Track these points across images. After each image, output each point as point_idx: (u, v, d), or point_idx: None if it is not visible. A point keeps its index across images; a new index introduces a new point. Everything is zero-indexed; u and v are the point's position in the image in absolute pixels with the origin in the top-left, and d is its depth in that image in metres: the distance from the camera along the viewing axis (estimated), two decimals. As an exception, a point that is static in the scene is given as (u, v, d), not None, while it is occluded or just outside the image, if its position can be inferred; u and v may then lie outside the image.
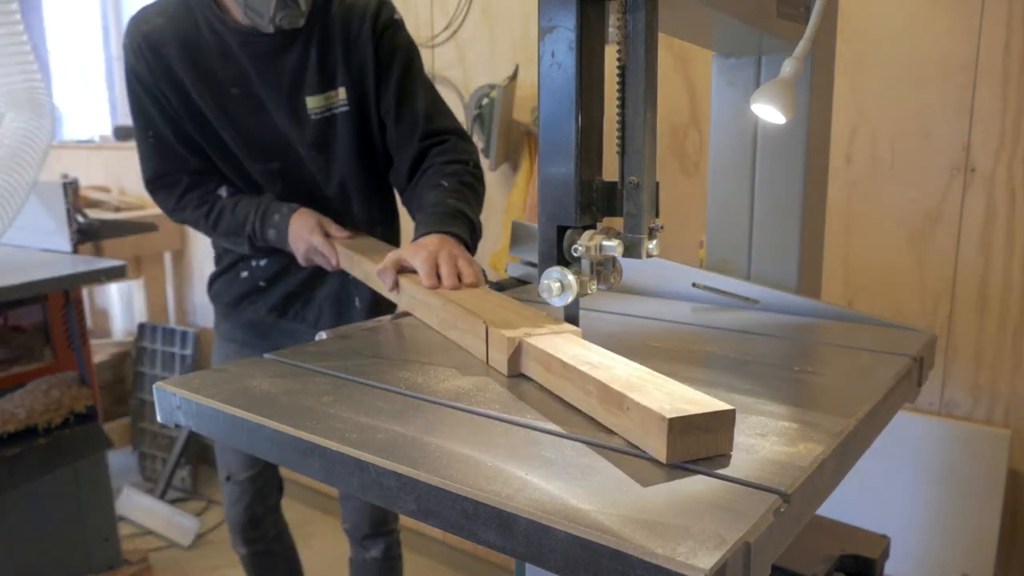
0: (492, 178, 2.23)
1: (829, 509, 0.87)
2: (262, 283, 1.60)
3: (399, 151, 1.50)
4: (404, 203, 1.55)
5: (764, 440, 0.65)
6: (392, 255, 1.18)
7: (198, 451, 3.19)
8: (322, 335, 1.00)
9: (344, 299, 1.60)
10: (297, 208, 1.46)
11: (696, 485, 0.57)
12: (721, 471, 0.59)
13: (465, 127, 2.26)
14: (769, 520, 0.52)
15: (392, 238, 1.64)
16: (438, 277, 1.09)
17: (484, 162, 2.19)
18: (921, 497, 1.61)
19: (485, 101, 2.08)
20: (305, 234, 1.41)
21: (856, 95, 1.63)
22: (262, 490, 1.73)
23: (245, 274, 1.61)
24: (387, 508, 0.62)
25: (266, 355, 0.91)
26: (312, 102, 1.45)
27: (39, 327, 2.19)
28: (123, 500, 2.91)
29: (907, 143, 1.60)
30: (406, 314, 1.12)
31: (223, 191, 1.52)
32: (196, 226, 1.55)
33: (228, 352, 1.70)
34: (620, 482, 0.57)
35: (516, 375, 0.83)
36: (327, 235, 1.42)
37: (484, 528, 0.55)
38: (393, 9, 1.49)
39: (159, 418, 0.83)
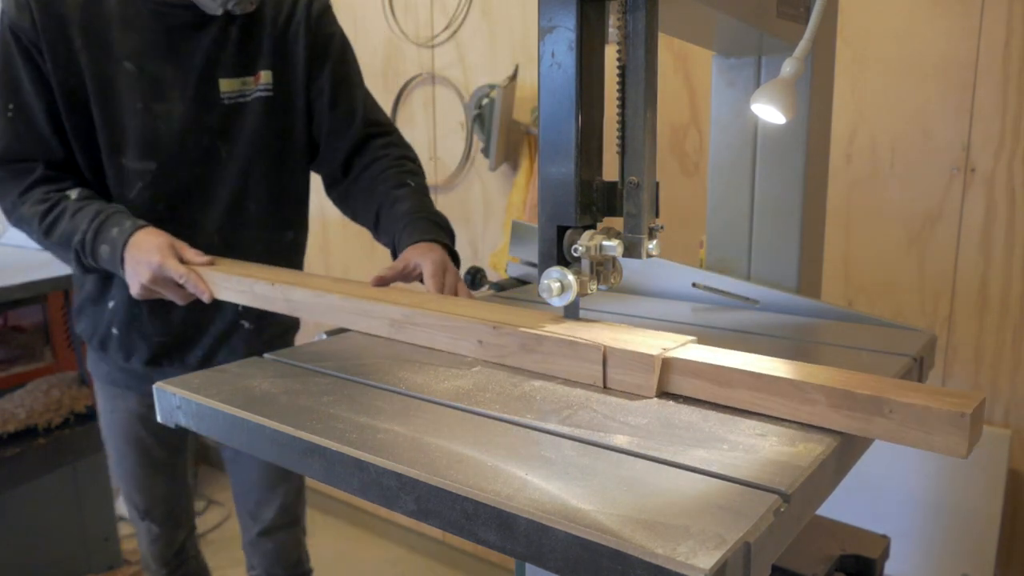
0: (492, 178, 2.24)
1: (829, 509, 0.87)
2: (113, 329, 1.37)
3: (334, 138, 1.40)
4: (337, 196, 1.46)
5: (764, 440, 0.65)
6: (399, 263, 1.13)
7: (198, 451, 3.19)
8: (322, 335, 0.99)
9: (232, 327, 1.40)
10: (144, 225, 1.21)
11: (696, 485, 0.57)
12: (721, 471, 0.59)
13: (465, 127, 2.27)
14: (769, 520, 0.52)
15: (301, 242, 1.50)
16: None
17: (484, 162, 2.20)
18: (921, 497, 1.61)
19: (485, 101, 2.08)
20: (154, 258, 1.14)
21: (856, 95, 1.63)
22: (180, 520, 1.63)
23: (112, 304, 1.36)
24: (387, 508, 0.62)
25: (266, 355, 0.91)
26: (226, 84, 1.31)
27: (39, 327, 2.19)
28: (123, 500, 2.90)
29: (907, 143, 1.60)
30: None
31: (74, 192, 1.26)
32: (29, 228, 1.28)
33: (112, 393, 1.47)
34: (620, 482, 0.57)
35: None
36: (181, 260, 1.18)
37: (484, 528, 0.55)
38: None
39: (159, 418, 0.83)
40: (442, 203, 2.35)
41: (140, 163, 1.28)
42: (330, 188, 1.47)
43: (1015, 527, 1.59)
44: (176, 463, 1.58)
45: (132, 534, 2.76)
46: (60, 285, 2.01)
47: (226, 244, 1.34)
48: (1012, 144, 1.50)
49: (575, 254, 0.80)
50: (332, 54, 1.39)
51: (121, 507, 2.83)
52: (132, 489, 1.57)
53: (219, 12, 1.25)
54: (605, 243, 0.79)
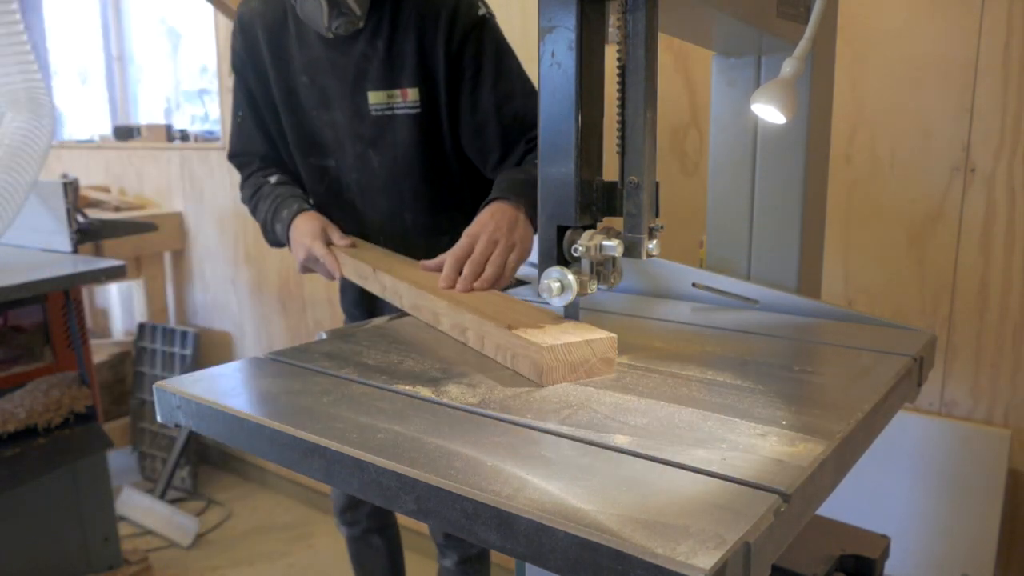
0: (492, 178, 2.23)
1: (829, 509, 0.87)
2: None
3: (489, 153, 1.41)
4: None
5: (764, 440, 0.65)
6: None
7: (198, 451, 3.19)
8: (322, 335, 1.00)
9: None
10: (305, 209, 1.41)
11: (696, 485, 0.57)
12: (721, 471, 0.59)
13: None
14: (769, 520, 0.52)
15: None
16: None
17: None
18: (921, 497, 1.61)
19: (485, 101, 2.08)
20: (306, 240, 1.35)
21: (856, 95, 1.63)
22: None
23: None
24: (387, 508, 0.62)
25: (266, 355, 0.91)
26: (373, 97, 1.39)
27: (39, 327, 2.19)
28: (123, 500, 2.91)
29: (907, 143, 1.60)
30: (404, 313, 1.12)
31: (273, 178, 1.50)
32: (249, 208, 1.55)
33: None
34: (620, 482, 0.57)
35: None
36: (329, 243, 1.35)
37: (484, 528, 0.55)
38: (476, 4, 1.37)
39: (159, 418, 0.83)
40: (442, 203, 2.35)
41: (321, 161, 1.47)
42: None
43: (1015, 527, 1.59)
44: None
45: (132, 534, 2.77)
46: (60, 285, 2.01)
47: (394, 248, 1.41)
48: (1012, 144, 1.50)
49: (575, 254, 0.80)
50: (486, 71, 1.36)
51: (121, 507, 2.84)
52: None
53: (329, 36, 1.33)
54: (605, 243, 0.79)
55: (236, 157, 1.57)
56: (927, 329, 1.01)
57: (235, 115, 1.54)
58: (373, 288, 1.22)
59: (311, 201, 1.50)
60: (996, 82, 1.49)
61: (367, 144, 1.42)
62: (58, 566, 2.17)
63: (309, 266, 1.36)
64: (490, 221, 1.17)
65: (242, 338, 3.16)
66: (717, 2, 0.87)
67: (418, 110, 1.38)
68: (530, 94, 1.39)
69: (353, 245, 1.36)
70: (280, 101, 1.45)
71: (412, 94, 1.37)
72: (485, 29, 1.36)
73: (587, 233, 0.80)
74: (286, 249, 1.46)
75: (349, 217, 1.47)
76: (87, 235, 2.23)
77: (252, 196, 1.51)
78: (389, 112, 1.39)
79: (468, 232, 1.16)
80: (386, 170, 1.43)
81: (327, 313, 2.81)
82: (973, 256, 1.56)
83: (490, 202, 1.22)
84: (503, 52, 1.38)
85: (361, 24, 1.33)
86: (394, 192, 1.45)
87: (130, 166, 3.43)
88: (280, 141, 1.51)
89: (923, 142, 1.58)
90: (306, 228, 1.36)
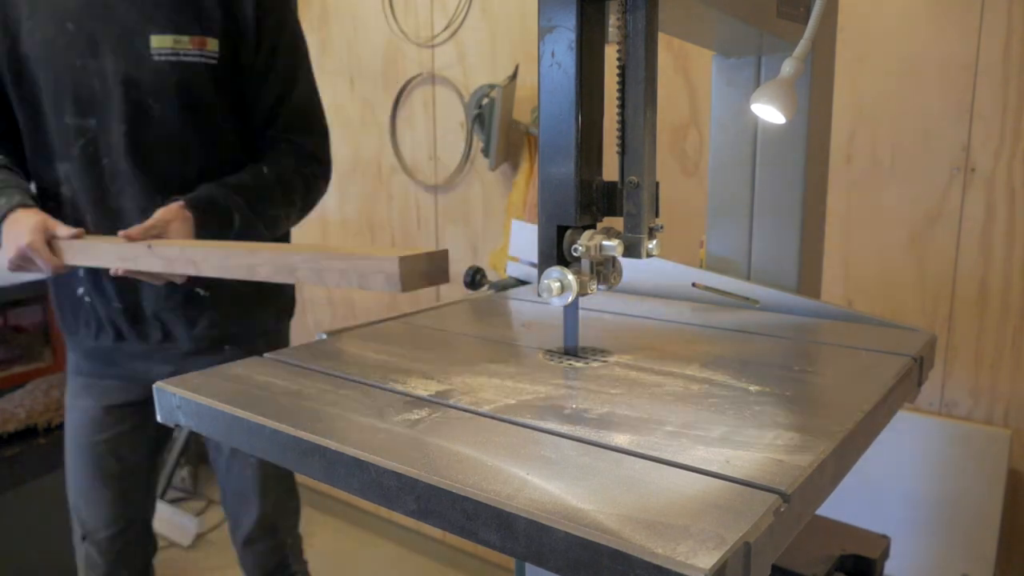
0: (492, 178, 2.23)
1: (829, 509, 0.87)
2: (86, 298, 1.42)
3: (256, 122, 1.41)
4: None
5: (764, 440, 0.65)
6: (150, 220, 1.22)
7: (198, 451, 3.19)
8: (322, 335, 0.99)
9: (193, 300, 1.41)
10: (24, 204, 1.30)
11: (696, 485, 0.57)
12: (721, 471, 0.59)
13: (465, 127, 2.27)
14: (769, 520, 0.52)
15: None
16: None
17: (484, 162, 2.20)
18: (921, 497, 1.61)
19: (485, 101, 2.08)
20: (21, 234, 1.24)
21: (856, 95, 1.63)
22: (123, 552, 1.51)
23: (80, 290, 1.42)
24: (387, 508, 0.62)
25: (266, 355, 0.91)
26: (157, 42, 1.30)
27: (39, 327, 2.19)
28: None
29: (907, 143, 1.60)
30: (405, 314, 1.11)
31: None
32: None
33: (76, 389, 1.49)
34: (620, 482, 0.57)
35: None
36: (52, 237, 1.26)
37: (484, 528, 0.55)
38: None
39: (159, 418, 0.83)
40: (442, 203, 2.35)
41: (80, 120, 1.33)
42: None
43: (1015, 527, 1.59)
44: (136, 483, 1.51)
45: (132, 534, 2.76)
46: (60, 285, 2.01)
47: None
48: (1012, 144, 1.50)
49: (575, 254, 0.80)
50: (278, 36, 1.37)
51: (121, 507, 2.84)
52: (78, 500, 1.50)
53: None
54: (605, 243, 0.79)
55: None
56: (927, 329, 1.01)
57: None
58: (142, 264, 1.20)
59: (33, 193, 1.38)
60: (996, 82, 1.49)
61: (146, 92, 1.31)
62: (57, 566, 2.17)
63: (21, 264, 1.27)
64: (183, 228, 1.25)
65: (242, 338, 3.15)
66: (717, 2, 0.87)
67: (214, 62, 1.32)
68: (314, 93, 1.45)
69: (79, 235, 1.28)
70: (34, 54, 1.30)
71: (211, 44, 1.31)
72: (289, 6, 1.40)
73: (587, 233, 0.80)
74: None
75: (102, 184, 1.35)
76: (87, 235, 2.23)
77: None
78: (174, 58, 1.31)
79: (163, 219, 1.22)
80: (171, 121, 1.33)
81: (327, 313, 2.81)
82: (973, 256, 1.56)
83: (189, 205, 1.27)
84: (300, 37, 1.43)
85: None
86: (178, 145, 1.36)
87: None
88: (23, 104, 1.35)
89: (923, 142, 1.58)
90: (23, 223, 1.26)
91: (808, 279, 1.17)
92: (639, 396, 0.76)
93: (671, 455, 0.62)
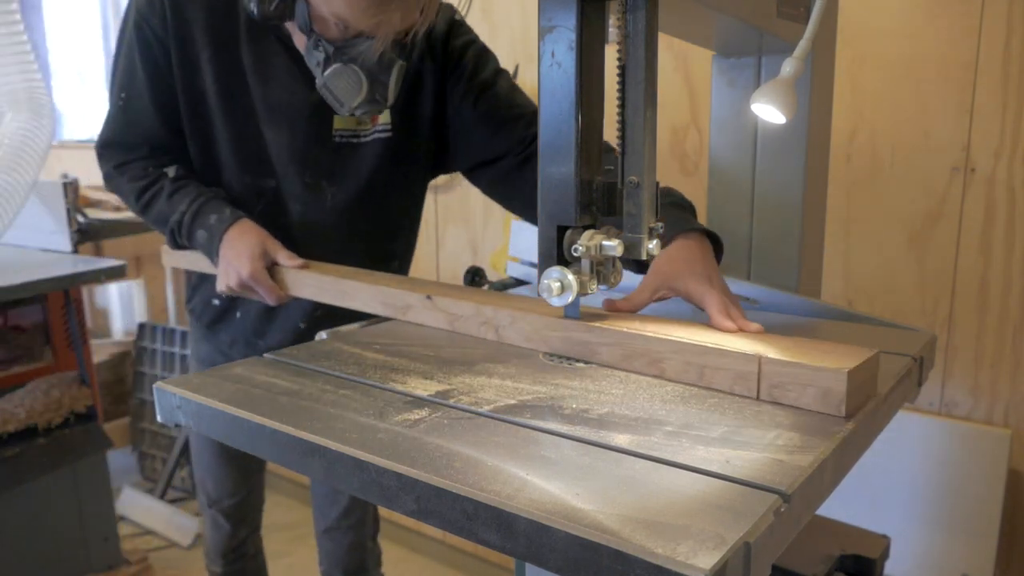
0: (492, 178, 2.23)
1: (829, 509, 0.87)
2: (237, 313, 1.37)
3: (488, 146, 1.28)
4: (488, 180, 1.31)
5: (764, 440, 0.65)
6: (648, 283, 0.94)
7: (198, 451, 3.19)
8: (322, 335, 0.99)
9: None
10: (242, 216, 1.20)
11: (696, 485, 0.57)
12: (721, 471, 0.59)
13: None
14: (769, 520, 0.52)
15: (405, 268, 1.45)
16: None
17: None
18: (921, 497, 1.61)
19: (485, 101, 2.08)
20: (243, 260, 1.15)
21: (856, 95, 1.63)
22: (246, 516, 1.63)
23: (216, 301, 1.37)
24: (387, 508, 0.62)
25: (266, 355, 0.91)
26: (339, 123, 1.24)
27: (39, 327, 2.19)
28: (123, 500, 2.91)
29: (907, 143, 1.60)
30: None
31: (172, 170, 1.26)
32: (127, 201, 1.30)
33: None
34: (620, 482, 0.57)
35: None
36: (273, 264, 1.17)
37: (484, 528, 0.55)
38: (451, 9, 1.29)
39: (159, 418, 0.83)
40: (442, 203, 2.35)
41: (259, 181, 1.27)
42: (491, 187, 1.33)
43: (1015, 527, 1.59)
44: (251, 460, 1.57)
45: (132, 534, 2.77)
46: (60, 285, 2.01)
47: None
48: (1012, 144, 1.50)
49: (575, 254, 0.80)
50: (466, 66, 1.27)
51: (121, 507, 2.84)
52: (205, 476, 1.59)
53: (344, 114, 1.15)
54: (605, 243, 0.79)
55: (115, 144, 1.28)
56: (927, 329, 1.01)
57: (116, 98, 1.26)
58: (381, 309, 1.06)
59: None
60: (996, 82, 1.49)
61: (322, 174, 1.26)
62: (58, 566, 2.17)
63: (241, 292, 1.18)
64: (702, 260, 0.95)
65: (242, 338, 3.15)
66: (717, 2, 0.87)
67: (389, 133, 1.25)
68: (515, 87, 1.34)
69: (305, 266, 1.17)
70: (216, 104, 1.23)
71: (383, 116, 1.24)
72: (460, 28, 1.30)
73: (587, 233, 0.80)
74: None
75: (287, 243, 1.24)
76: (87, 235, 2.23)
77: (144, 189, 1.25)
78: (355, 140, 1.25)
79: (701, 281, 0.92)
80: (343, 203, 1.28)
81: (327, 313, 2.81)
82: (973, 256, 1.56)
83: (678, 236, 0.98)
84: (482, 49, 1.33)
85: (381, 111, 1.19)
86: (346, 225, 1.29)
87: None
88: (200, 151, 1.28)
89: (923, 142, 1.58)
90: (245, 242, 1.16)
91: (808, 279, 1.18)
92: (639, 396, 0.76)
93: (671, 455, 0.62)
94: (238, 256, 1.16)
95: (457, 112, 1.29)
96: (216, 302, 1.38)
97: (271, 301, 1.17)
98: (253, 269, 1.14)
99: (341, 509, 1.62)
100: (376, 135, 1.26)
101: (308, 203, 1.27)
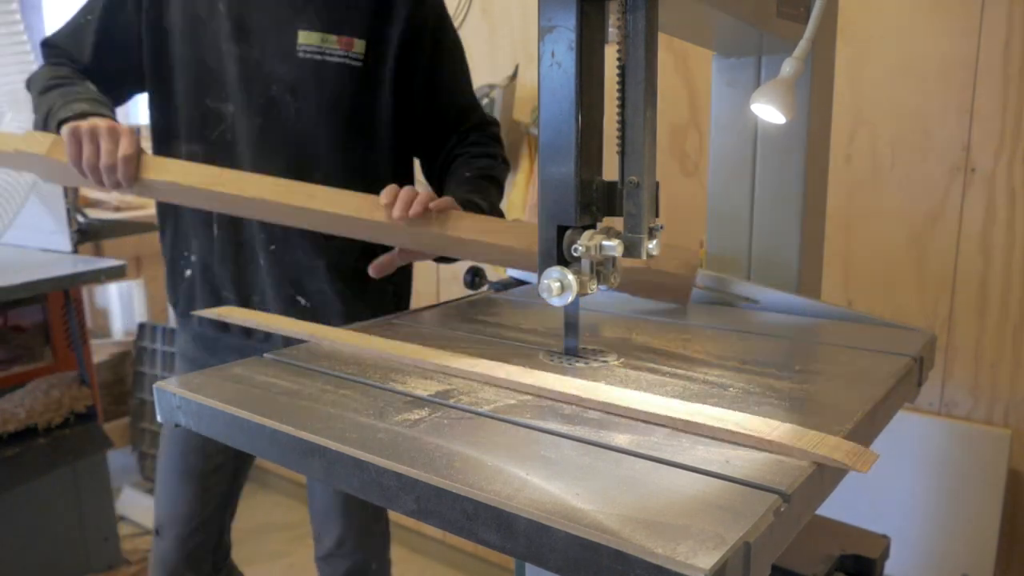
0: (492, 178, 2.23)
1: (829, 509, 0.87)
2: (196, 284, 1.38)
3: (431, 128, 1.38)
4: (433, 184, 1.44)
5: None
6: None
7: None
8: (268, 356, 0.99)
9: (287, 299, 1.35)
10: (103, 116, 1.19)
11: (696, 485, 0.57)
12: (721, 471, 0.59)
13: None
14: (769, 520, 0.52)
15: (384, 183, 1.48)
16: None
17: (484, 162, 2.19)
18: (921, 497, 1.61)
19: (485, 101, 2.08)
20: (108, 120, 1.14)
21: (856, 95, 1.63)
22: (192, 554, 1.45)
23: (188, 273, 1.39)
24: (387, 508, 0.62)
25: (266, 355, 0.91)
26: (304, 37, 1.26)
27: (39, 327, 2.19)
28: (123, 500, 2.90)
29: (907, 143, 1.60)
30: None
31: (91, 84, 1.28)
32: (33, 77, 1.32)
33: (184, 371, 1.46)
34: (620, 482, 0.57)
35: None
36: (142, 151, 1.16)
37: (484, 528, 0.55)
38: None
39: (159, 418, 0.83)
40: (442, 203, 2.35)
41: (217, 104, 1.29)
42: (427, 175, 1.45)
43: (1015, 527, 1.59)
44: (211, 479, 1.46)
45: (132, 534, 2.77)
46: (60, 285, 2.01)
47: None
48: (1012, 144, 1.50)
49: (575, 254, 0.80)
50: (432, 32, 1.33)
51: (121, 507, 2.83)
52: (159, 493, 1.48)
53: None
54: (605, 243, 0.79)
55: (54, 48, 1.33)
56: (927, 329, 1.01)
57: (83, 13, 1.31)
58: (289, 220, 1.15)
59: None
60: (996, 82, 1.49)
61: (286, 87, 1.27)
62: (58, 566, 2.17)
63: (80, 133, 1.12)
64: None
65: (242, 338, 3.15)
66: (717, 2, 0.87)
67: (360, 64, 1.27)
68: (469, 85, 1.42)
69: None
70: (180, 29, 1.27)
71: (358, 46, 1.27)
72: (446, 14, 1.37)
73: (587, 233, 0.80)
74: None
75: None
76: (87, 235, 2.23)
77: (52, 79, 1.27)
78: (319, 56, 1.26)
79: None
80: (303, 120, 1.28)
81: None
82: (973, 256, 1.56)
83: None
84: (457, 39, 1.39)
85: None
86: (304, 146, 1.30)
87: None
88: (156, 79, 1.31)
89: (923, 142, 1.58)
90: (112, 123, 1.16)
91: (808, 279, 1.18)
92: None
93: (671, 455, 0.62)
94: (104, 119, 1.15)
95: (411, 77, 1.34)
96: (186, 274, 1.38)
97: (111, 162, 1.11)
98: (114, 124, 1.13)
99: (335, 538, 1.54)
100: (346, 60, 1.28)
101: (267, 117, 1.28)
